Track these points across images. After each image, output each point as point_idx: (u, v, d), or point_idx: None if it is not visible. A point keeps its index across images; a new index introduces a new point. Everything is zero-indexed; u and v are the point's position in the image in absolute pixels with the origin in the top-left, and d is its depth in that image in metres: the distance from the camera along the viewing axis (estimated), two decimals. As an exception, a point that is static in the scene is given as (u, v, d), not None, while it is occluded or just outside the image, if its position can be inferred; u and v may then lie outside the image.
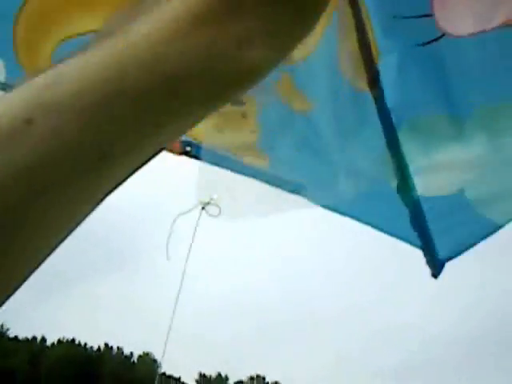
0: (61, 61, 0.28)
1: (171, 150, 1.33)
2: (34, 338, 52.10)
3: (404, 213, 1.39)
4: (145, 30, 0.27)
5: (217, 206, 1.32)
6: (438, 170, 1.34)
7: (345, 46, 1.17)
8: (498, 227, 1.40)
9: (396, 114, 1.24)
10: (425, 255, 1.47)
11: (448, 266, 1.43)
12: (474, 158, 1.29)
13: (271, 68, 0.30)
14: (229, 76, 0.28)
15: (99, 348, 52.81)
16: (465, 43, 1.10)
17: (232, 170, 1.35)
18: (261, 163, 1.38)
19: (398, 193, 1.37)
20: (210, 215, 1.34)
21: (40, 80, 0.26)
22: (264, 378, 57.98)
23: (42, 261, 0.27)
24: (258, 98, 1.25)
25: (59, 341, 51.90)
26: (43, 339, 52.22)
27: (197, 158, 1.32)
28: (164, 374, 51.95)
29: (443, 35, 1.10)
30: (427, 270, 1.43)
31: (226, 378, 57.46)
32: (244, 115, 1.28)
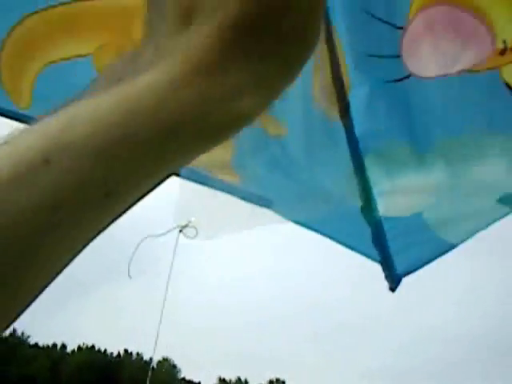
0: (69, 103, 0.31)
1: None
2: (55, 345, 51.75)
3: (367, 231, 1.50)
4: (148, 80, 0.31)
5: (194, 227, 1.38)
6: (400, 193, 1.44)
7: (319, 77, 1.25)
8: (452, 246, 1.52)
9: (363, 142, 1.33)
10: (383, 270, 1.58)
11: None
12: (432, 184, 1.40)
13: (260, 114, 0.33)
14: (221, 122, 0.32)
15: (119, 353, 52.57)
16: (429, 83, 1.20)
17: (209, 185, 1.41)
18: (233, 180, 1.45)
19: (361, 213, 1.47)
20: (188, 237, 1.40)
21: (54, 122, 0.30)
22: (284, 382, 56.46)
23: (50, 282, 0.30)
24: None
25: (79, 347, 51.61)
26: (63, 346, 52.04)
27: (176, 174, 1.37)
28: (184, 378, 51.43)
29: (410, 75, 1.19)
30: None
31: (246, 382, 56.02)
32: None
